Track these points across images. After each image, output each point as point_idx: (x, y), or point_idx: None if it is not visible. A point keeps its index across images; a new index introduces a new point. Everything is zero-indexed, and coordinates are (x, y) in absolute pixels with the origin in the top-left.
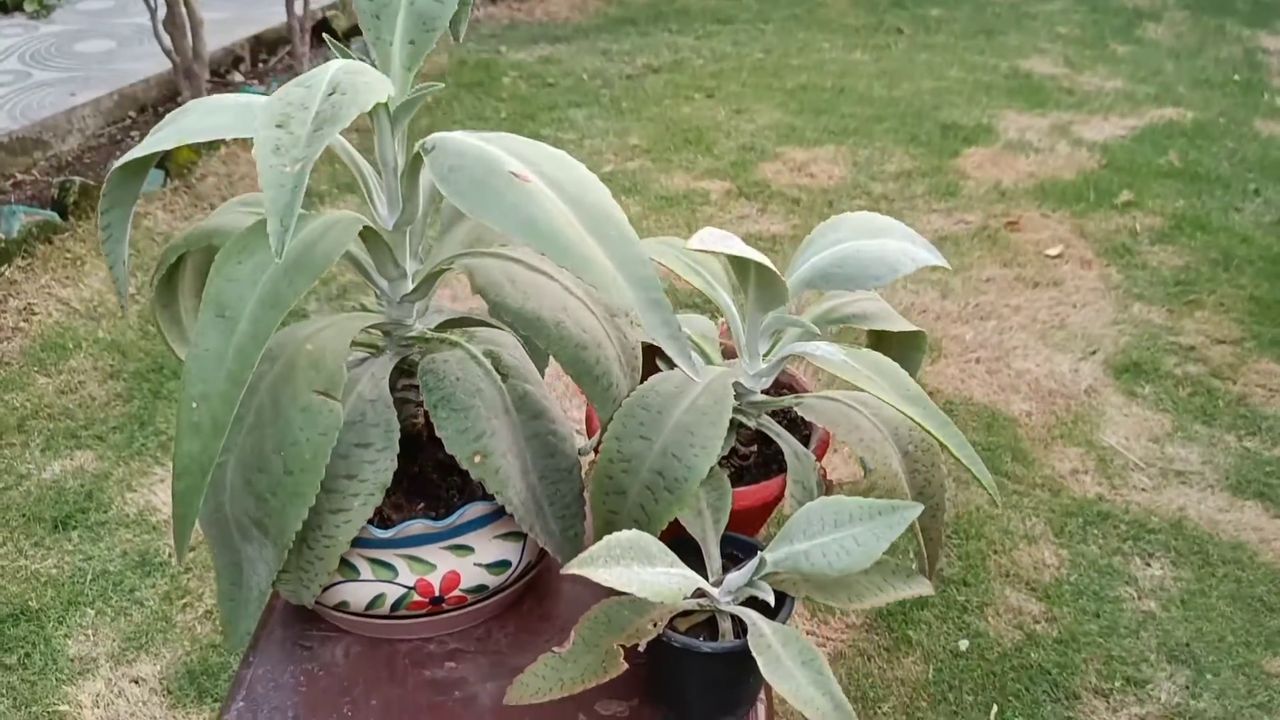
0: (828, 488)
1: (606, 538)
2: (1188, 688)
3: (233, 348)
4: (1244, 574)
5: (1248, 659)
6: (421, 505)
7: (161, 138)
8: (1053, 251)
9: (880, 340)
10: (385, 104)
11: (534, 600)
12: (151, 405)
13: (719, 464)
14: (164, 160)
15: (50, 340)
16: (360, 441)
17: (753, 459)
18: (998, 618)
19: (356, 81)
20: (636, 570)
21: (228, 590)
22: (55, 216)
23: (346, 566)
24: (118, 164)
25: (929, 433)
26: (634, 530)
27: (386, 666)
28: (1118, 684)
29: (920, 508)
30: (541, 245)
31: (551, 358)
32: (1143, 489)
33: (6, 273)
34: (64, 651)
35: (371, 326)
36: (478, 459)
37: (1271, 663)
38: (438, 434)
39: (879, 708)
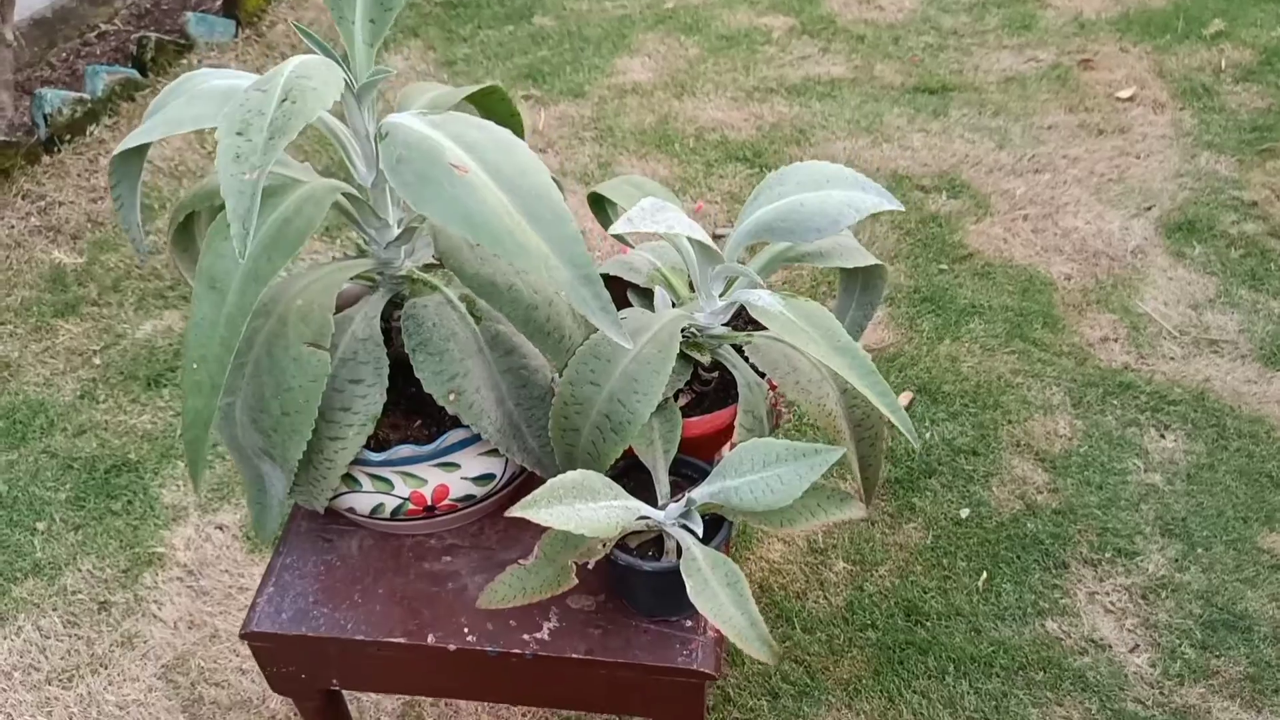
0: (777, 417)
1: (551, 481)
2: (1176, 560)
3: (223, 317)
4: (1257, 448)
5: (1242, 534)
6: (419, 423)
7: (150, 128)
8: (1125, 94)
9: (847, 274)
10: (348, 85)
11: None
12: None
13: (679, 393)
14: (234, 9)
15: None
16: (353, 378)
17: (714, 384)
18: (1001, 488)
19: (305, 89)
20: (578, 508)
21: (255, 497)
22: (135, 74)
23: (350, 479)
24: (115, 152)
25: (855, 385)
26: (580, 471)
27: (393, 559)
28: (1107, 555)
29: (841, 451)
30: (477, 236)
31: None
32: (1171, 358)
33: (95, 131)
34: (159, 499)
35: (361, 273)
36: (452, 397)
37: (1266, 538)
38: (416, 375)
39: (875, 571)
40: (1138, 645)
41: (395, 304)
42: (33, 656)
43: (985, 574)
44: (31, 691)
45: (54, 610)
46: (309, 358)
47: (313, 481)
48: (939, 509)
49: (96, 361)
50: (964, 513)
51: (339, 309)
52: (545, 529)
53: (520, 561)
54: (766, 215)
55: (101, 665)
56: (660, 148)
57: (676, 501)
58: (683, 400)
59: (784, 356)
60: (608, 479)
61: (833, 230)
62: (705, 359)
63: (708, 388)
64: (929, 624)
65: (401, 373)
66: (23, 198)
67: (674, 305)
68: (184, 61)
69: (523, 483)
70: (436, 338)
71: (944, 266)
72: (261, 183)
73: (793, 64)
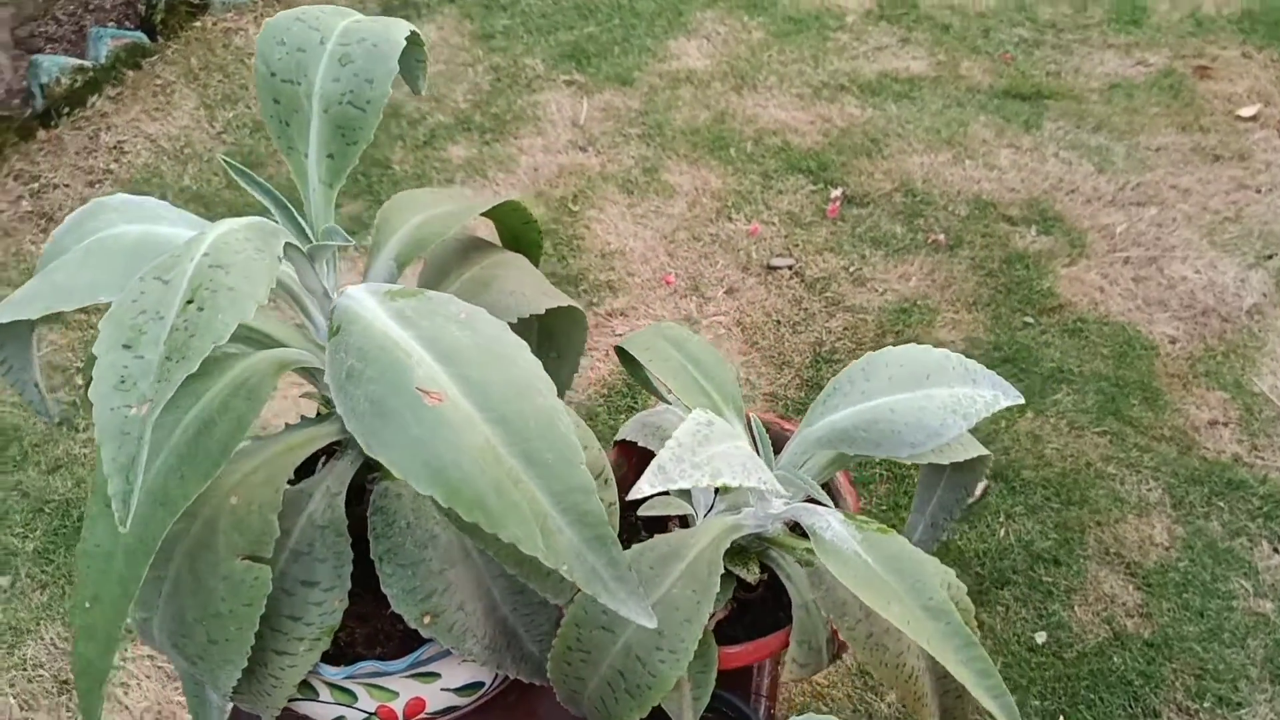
0: (839, 647)
1: None
2: None
3: (121, 549)
4: None
5: None
6: (391, 611)
7: (31, 294)
8: (1246, 112)
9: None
10: (297, 247)
11: (518, 694)
12: None
13: (713, 614)
14: None
15: (139, 186)
16: (307, 579)
17: (760, 588)
18: (1085, 607)
19: (219, 288)
20: None
21: (192, 692)
22: (143, 38)
23: (306, 687)
24: None
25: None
26: None
27: None
28: (1206, 704)
29: None
30: (449, 498)
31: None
32: None
33: (97, 104)
34: None
35: (321, 448)
36: (427, 620)
37: None
38: (383, 589)
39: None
40: None
41: (370, 467)
42: None
43: (1062, 718)
44: None
45: (10, 687)
46: (243, 575)
47: (257, 693)
48: (1011, 629)
49: (79, 381)
50: (1040, 637)
51: (298, 474)
52: None
53: None
54: (845, 421)
55: None
56: (714, 152)
57: None
58: (721, 614)
59: (856, 598)
60: None
61: (932, 444)
62: (752, 574)
63: (752, 593)
64: None
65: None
66: (14, 178)
67: (716, 496)
68: (197, 24)
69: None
70: (410, 543)
71: (1029, 319)
72: (153, 419)
73: (868, 55)
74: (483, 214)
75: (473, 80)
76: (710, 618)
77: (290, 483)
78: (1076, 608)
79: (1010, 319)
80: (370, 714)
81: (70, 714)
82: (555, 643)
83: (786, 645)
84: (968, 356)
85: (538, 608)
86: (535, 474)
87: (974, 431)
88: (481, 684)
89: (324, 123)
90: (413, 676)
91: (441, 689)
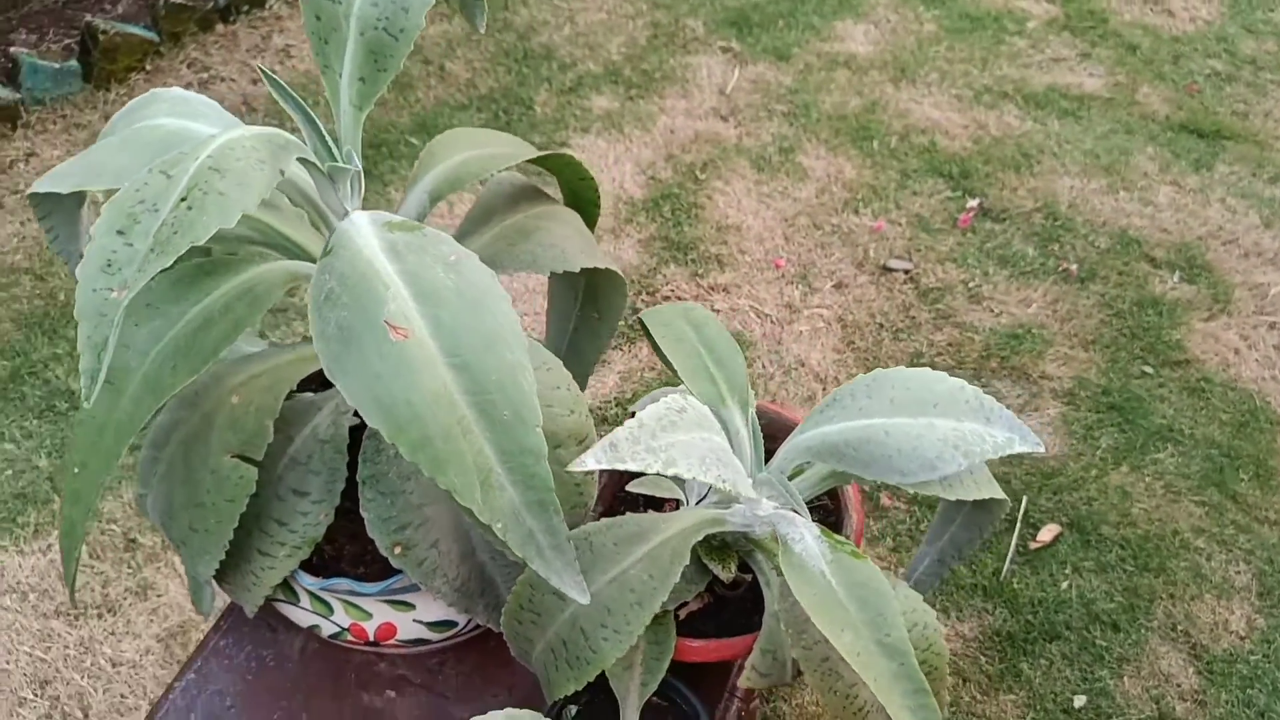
0: None
1: None
2: None
3: (113, 423)
4: None
5: None
6: None
7: (67, 171)
8: None
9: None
10: (315, 164)
11: (499, 640)
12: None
13: (684, 603)
14: None
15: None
16: (299, 488)
17: (744, 588)
18: (1136, 680)
19: (211, 190)
20: None
21: (189, 571)
22: None
23: (288, 589)
24: (29, 192)
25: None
26: (505, 710)
27: (332, 679)
28: None
29: None
30: (393, 435)
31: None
32: None
33: (274, 7)
34: None
35: None
36: (398, 550)
37: None
38: (361, 512)
39: None
40: None
41: None
42: (51, 582)
43: None
44: (38, 620)
45: (86, 536)
46: (230, 472)
47: (238, 586)
48: (1049, 686)
49: None
50: (1079, 701)
51: (318, 387)
52: (522, 678)
53: None
54: (837, 435)
55: (109, 610)
56: (856, 142)
57: None
58: (694, 605)
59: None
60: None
61: (925, 475)
62: (728, 571)
63: (733, 591)
64: None
65: None
66: (188, 65)
67: (711, 486)
68: None
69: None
70: (394, 473)
71: (1148, 369)
72: (124, 305)
73: (1041, 66)
74: (537, 164)
75: (630, 33)
76: (681, 607)
77: (303, 393)
78: (1126, 678)
79: (1128, 365)
80: (343, 629)
81: (131, 571)
82: (509, 598)
83: (749, 650)
84: (1074, 397)
85: (517, 562)
86: (488, 428)
87: (1059, 475)
88: (454, 624)
89: (359, 46)
90: (387, 602)
91: (414, 620)
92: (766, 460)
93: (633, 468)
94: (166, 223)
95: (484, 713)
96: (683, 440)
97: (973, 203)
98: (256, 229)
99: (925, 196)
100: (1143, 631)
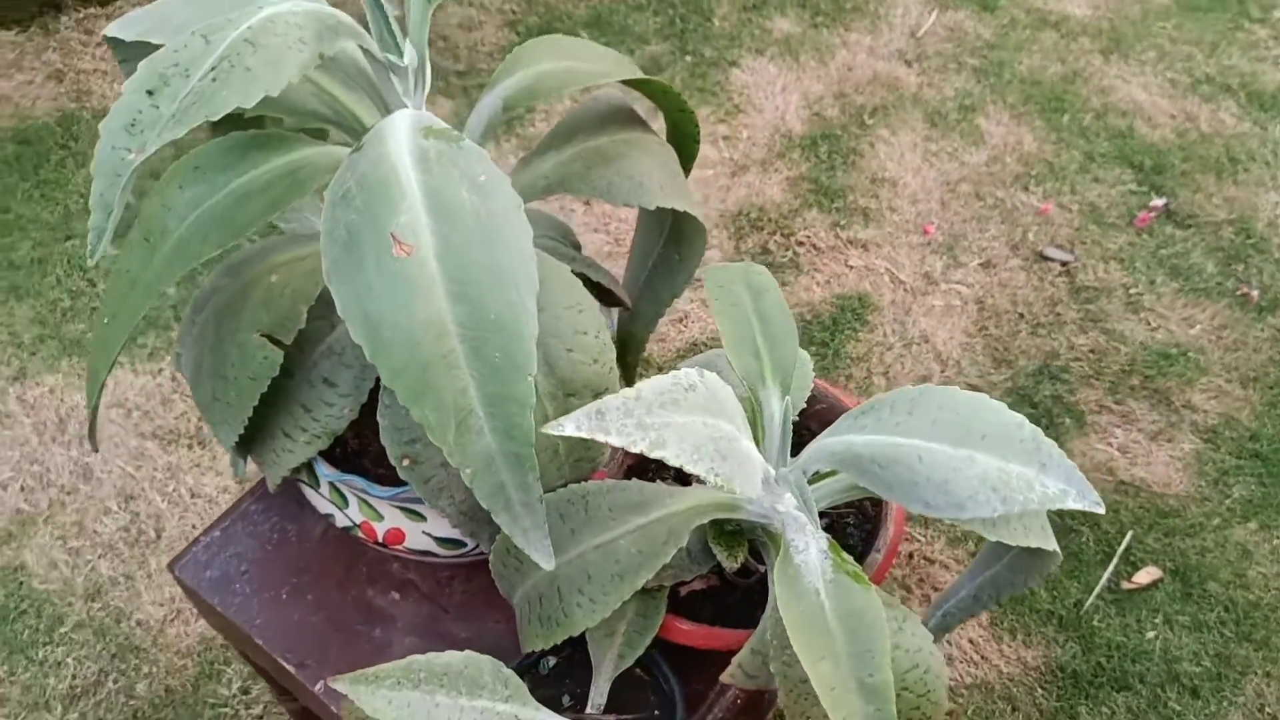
0: None
1: (413, 658)
2: None
3: (143, 280)
4: None
5: None
6: None
7: (138, 18)
8: None
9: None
10: (373, 54)
11: None
12: None
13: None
14: None
15: None
16: (329, 378)
17: (757, 578)
18: None
19: (243, 62)
20: (437, 701)
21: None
22: None
23: (310, 473)
24: (104, 34)
25: None
26: (465, 655)
27: (345, 565)
28: None
29: None
30: (374, 354)
31: None
32: None
33: None
34: None
35: None
36: (405, 462)
37: None
38: (378, 416)
39: None
40: None
41: None
42: (154, 405)
43: None
44: (136, 438)
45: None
46: (256, 350)
47: (261, 458)
48: None
49: None
50: None
51: None
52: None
53: None
54: (864, 448)
55: (200, 444)
56: (1045, 112)
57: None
58: (699, 585)
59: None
60: (505, 671)
61: (952, 514)
62: (734, 559)
63: (745, 579)
64: None
65: None
66: None
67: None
68: None
69: None
70: None
71: None
72: (134, 167)
73: (1278, 62)
74: (630, 86)
75: None
76: (683, 585)
77: None
78: None
79: None
80: (355, 524)
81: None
82: (499, 537)
83: (740, 646)
84: (1216, 435)
85: None
86: (477, 367)
87: (1176, 516)
88: (463, 544)
89: None
90: (399, 508)
91: (424, 531)
92: (798, 452)
93: (615, 442)
94: (193, 90)
95: (480, 634)
96: (680, 422)
97: (1158, 201)
98: (331, 107)
99: (1106, 185)
100: (1225, 704)
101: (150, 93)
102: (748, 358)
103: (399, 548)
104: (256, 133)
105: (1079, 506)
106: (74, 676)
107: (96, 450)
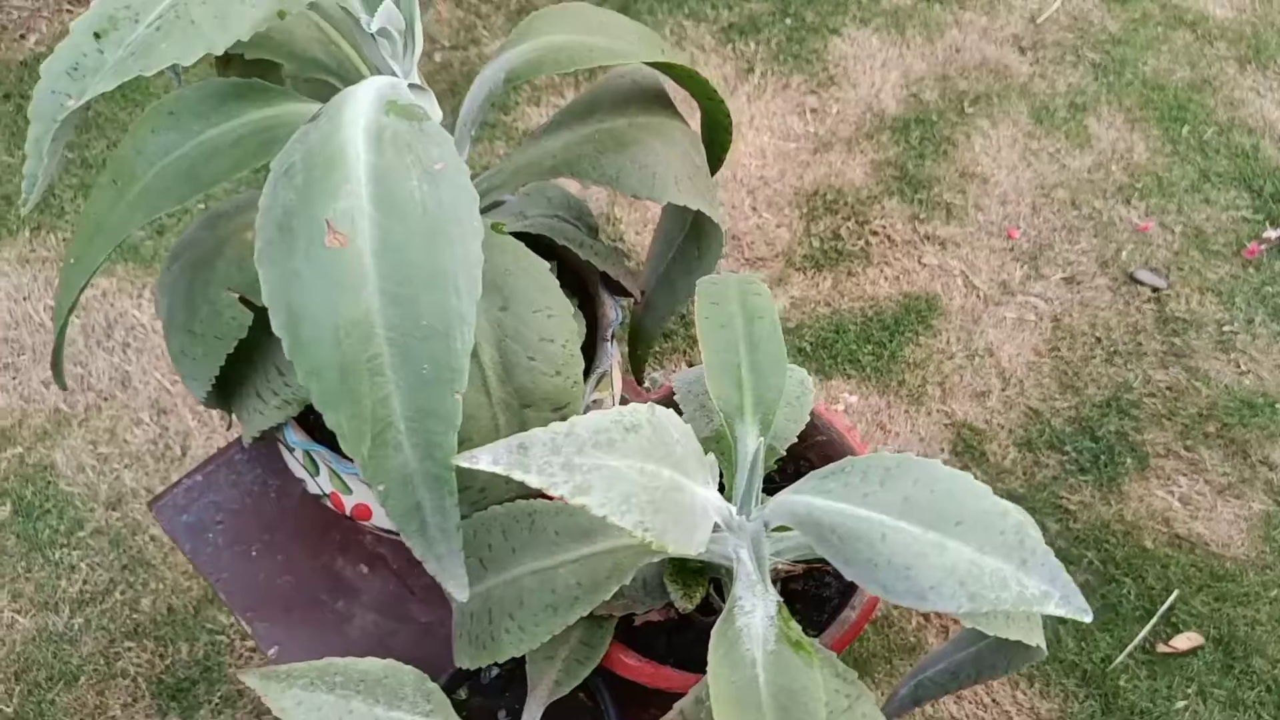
0: None
1: (330, 661)
2: None
3: (107, 225)
4: None
5: None
6: None
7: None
8: None
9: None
10: (356, 19)
11: None
12: None
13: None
14: None
15: None
16: None
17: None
18: None
19: (188, 14)
20: (352, 708)
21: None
22: None
23: (285, 434)
24: None
25: None
26: (387, 663)
27: (319, 532)
28: None
29: None
30: (292, 350)
31: None
32: None
33: None
34: None
35: None
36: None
37: None
38: None
39: None
40: None
41: None
42: None
43: None
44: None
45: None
46: (225, 309)
47: (236, 413)
48: None
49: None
50: None
51: None
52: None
53: None
54: (823, 514)
55: None
56: (1163, 121)
57: None
58: (655, 615)
59: None
60: (428, 684)
61: (912, 603)
62: (689, 600)
63: (706, 617)
64: None
65: None
66: None
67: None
68: None
69: None
70: None
71: None
72: (63, 116)
73: None
74: (652, 66)
75: None
76: (645, 612)
77: None
78: None
79: None
80: (325, 494)
81: None
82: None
83: (686, 689)
84: None
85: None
86: (402, 378)
87: (1230, 580)
88: None
89: None
90: (366, 484)
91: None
92: (775, 490)
93: (534, 483)
94: (138, 38)
95: (442, 621)
96: (614, 467)
97: (1271, 233)
98: (335, 58)
99: (1217, 208)
100: None
101: (97, 35)
102: (729, 387)
103: (366, 524)
104: (238, 81)
105: (1061, 613)
106: (85, 582)
107: (64, 388)
